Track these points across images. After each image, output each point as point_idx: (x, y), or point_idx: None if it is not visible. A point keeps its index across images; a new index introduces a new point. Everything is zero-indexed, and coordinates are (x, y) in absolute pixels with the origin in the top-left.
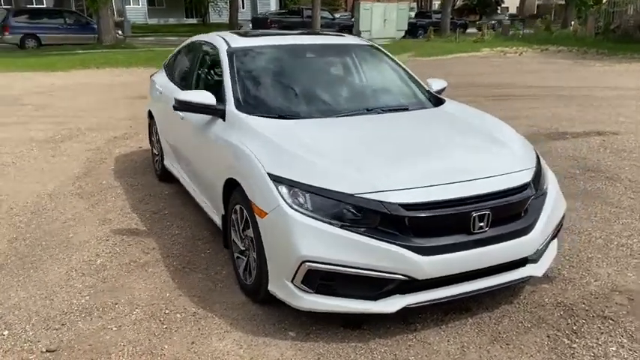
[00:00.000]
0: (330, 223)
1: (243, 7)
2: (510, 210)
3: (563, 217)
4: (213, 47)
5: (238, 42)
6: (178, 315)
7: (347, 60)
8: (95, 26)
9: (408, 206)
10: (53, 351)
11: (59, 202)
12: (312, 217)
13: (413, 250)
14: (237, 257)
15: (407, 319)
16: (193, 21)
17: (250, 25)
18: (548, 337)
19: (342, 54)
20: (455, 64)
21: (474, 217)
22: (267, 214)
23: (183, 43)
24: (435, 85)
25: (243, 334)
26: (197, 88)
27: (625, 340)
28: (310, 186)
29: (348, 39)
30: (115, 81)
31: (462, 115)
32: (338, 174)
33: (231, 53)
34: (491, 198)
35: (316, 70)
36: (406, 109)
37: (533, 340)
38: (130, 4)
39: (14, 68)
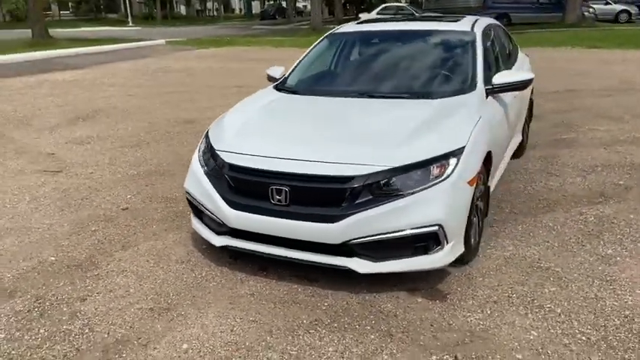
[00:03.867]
0: (202, 166)
1: None
2: (315, 194)
3: (425, 231)
4: None
5: (346, 28)
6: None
7: (424, 46)
8: None
9: (231, 166)
10: (126, 209)
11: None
12: (198, 162)
13: (226, 202)
14: None
15: (267, 268)
16: None
17: None
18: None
19: (428, 40)
20: None
21: (272, 189)
22: None
23: None
24: (500, 79)
25: (184, 235)
26: None
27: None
28: (207, 139)
29: (451, 25)
30: None
31: (438, 110)
32: (227, 133)
33: (324, 37)
34: (290, 178)
35: (378, 55)
36: (405, 98)
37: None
38: None
39: None
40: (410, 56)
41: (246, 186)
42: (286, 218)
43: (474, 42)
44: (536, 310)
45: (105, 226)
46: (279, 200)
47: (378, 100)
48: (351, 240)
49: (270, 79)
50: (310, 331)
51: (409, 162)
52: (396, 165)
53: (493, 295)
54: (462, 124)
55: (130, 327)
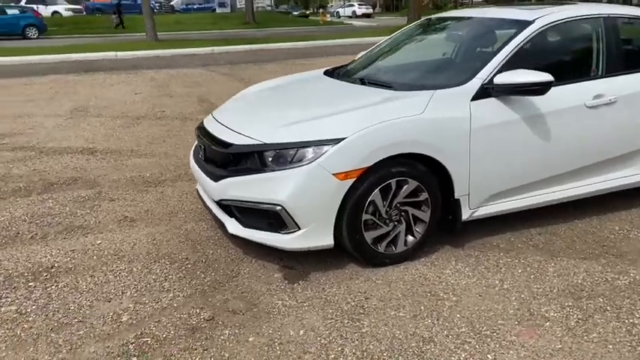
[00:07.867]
0: None
1: None
2: (214, 154)
3: (266, 207)
4: None
5: (434, 16)
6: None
7: (471, 36)
8: None
9: (199, 126)
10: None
11: None
12: None
13: (193, 154)
14: None
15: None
16: None
17: None
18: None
19: (480, 30)
20: None
21: (201, 145)
22: None
23: None
24: (503, 78)
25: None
26: None
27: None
28: None
29: (518, 14)
30: None
31: (381, 101)
32: (229, 101)
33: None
34: (206, 136)
35: (420, 43)
36: (386, 88)
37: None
38: None
39: None
40: (449, 46)
41: (199, 140)
42: (202, 172)
43: (515, 35)
44: (349, 323)
45: (175, 169)
46: (201, 155)
47: (362, 87)
48: (222, 200)
49: None
50: (165, 264)
51: (277, 141)
52: (267, 142)
53: (337, 295)
54: (369, 117)
55: (83, 218)
